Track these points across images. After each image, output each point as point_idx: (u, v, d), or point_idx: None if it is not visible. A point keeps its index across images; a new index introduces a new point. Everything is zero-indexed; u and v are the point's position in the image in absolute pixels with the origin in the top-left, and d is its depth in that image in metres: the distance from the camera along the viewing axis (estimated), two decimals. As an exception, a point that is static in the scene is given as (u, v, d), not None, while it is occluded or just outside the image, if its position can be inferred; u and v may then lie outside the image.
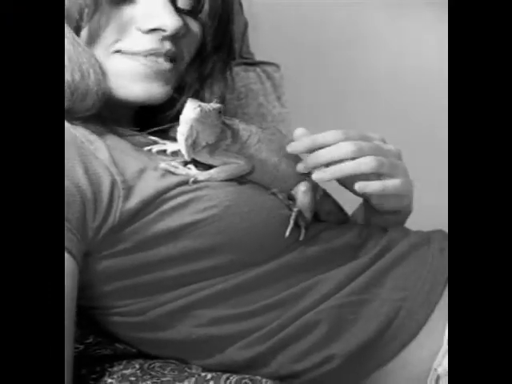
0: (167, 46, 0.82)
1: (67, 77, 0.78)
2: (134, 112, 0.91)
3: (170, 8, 0.81)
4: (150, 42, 0.81)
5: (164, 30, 0.80)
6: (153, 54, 0.81)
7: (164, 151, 0.83)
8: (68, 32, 0.79)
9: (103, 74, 0.81)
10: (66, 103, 0.78)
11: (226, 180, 0.79)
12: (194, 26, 0.86)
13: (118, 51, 0.81)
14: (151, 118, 0.91)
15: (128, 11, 0.81)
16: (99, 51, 0.81)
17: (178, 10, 0.83)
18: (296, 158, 0.86)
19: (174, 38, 0.82)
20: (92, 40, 0.80)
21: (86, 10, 0.79)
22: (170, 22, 0.80)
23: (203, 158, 0.80)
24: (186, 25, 0.83)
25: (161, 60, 0.82)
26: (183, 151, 0.78)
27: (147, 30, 0.81)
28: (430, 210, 0.99)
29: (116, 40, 0.81)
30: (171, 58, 0.84)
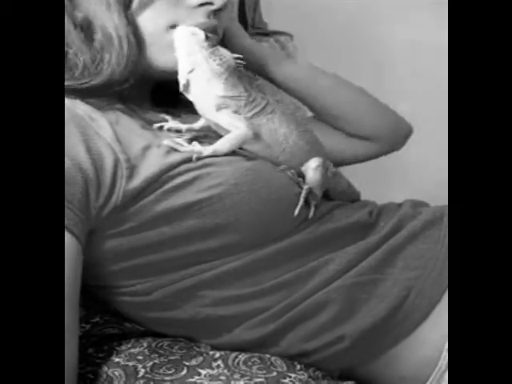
0: (213, 21, 0.82)
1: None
2: (151, 94, 0.91)
3: None
4: (199, 16, 0.81)
5: (212, 4, 0.81)
6: (202, 27, 0.81)
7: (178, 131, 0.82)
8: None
9: (138, 43, 0.80)
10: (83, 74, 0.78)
11: (233, 155, 0.78)
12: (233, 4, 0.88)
13: (172, 26, 0.81)
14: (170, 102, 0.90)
15: None
16: (151, 26, 0.81)
17: None
18: (308, 133, 0.84)
19: (218, 13, 0.82)
20: (141, 8, 0.80)
21: None
22: None
23: (208, 111, 0.79)
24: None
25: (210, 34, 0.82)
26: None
27: (196, 5, 0.81)
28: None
29: (169, 16, 0.81)
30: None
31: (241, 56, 0.81)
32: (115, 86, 0.80)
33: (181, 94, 0.81)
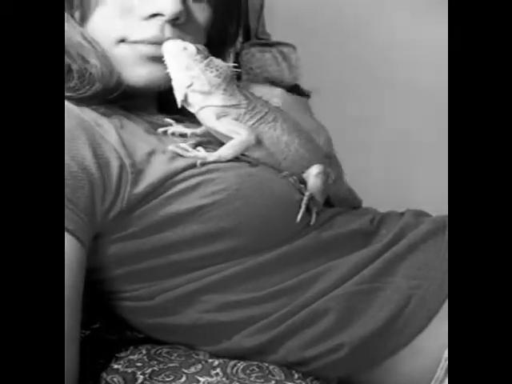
0: (168, 33, 0.80)
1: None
2: (156, 101, 0.91)
3: None
4: (150, 30, 0.80)
5: (163, 15, 0.79)
6: (154, 42, 0.80)
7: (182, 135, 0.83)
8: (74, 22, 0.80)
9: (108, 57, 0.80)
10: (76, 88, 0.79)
11: (237, 161, 0.78)
12: (202, 12, 0.84)
13: (122, 41, 0.80)
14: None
15: None
16: (103, 42, 0.80)
17: None
18: (310, 141, 0.84)
19: (176, 24, 0.80)
20: (82, 20, 0.80)
21: None
22: (169, 5, 0.78)
23: (209, 120, 0.79)
24: (189, 10, 0.82)
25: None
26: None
27: (147, 16, 0.79)
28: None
29: (119, 29, 0.80)
30: None
31: (235, 64, 0.81)
32: (113, 91, 0.80)
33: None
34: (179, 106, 0.80)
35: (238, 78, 0.85)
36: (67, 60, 0.79)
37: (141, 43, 0.80)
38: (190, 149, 0.78)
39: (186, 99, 0.79)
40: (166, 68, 0.80)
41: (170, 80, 0.80)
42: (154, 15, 0.79)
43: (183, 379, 0.73)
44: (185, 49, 0.78)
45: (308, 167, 0.82)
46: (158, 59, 0.80)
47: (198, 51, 0.79)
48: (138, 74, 0.81)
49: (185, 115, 0.85)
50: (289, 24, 1.38)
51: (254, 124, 0.80)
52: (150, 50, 0.80)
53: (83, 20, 0.81)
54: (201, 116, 0.80)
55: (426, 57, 1.47)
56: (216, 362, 0.76)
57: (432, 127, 1.30)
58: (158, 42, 0.80)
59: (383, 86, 1.48)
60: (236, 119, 0.79)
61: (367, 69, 1.53)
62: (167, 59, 0.79)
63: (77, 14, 0.81)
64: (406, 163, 1.02)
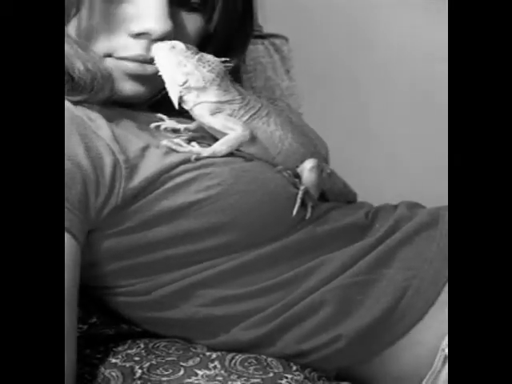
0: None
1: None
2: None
3: (161, 9, 0.78)
4: (136, 48, 0.79)
5: (150, 35, 0.78)
6: (140, 60, 0.79)
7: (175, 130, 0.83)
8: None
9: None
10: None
11: (231, 156, 0.78)
12: (193, 24, 0.84)
13: (108, 55, 0.80)
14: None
15: (122, 10, 0.79)
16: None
17: (184, 4, 0.81)
18: (303, 135, 0.85)
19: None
20: (80, 36, 0.79)
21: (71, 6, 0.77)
22: (157, 26, 0.77)
23: (203, 116, 0.79)
24: (180, 23, 0.81)
25: (148, 65, 0.80)
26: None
27: (134, 34, 0.79)
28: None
29: (106, 43, 0.79)
30: None
31: (227, 59, 0.80)
32: (105, 100, 0.80)
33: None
34: (176, 105, 0.79)
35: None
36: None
37: (126, 60, 0.80)
38: (184, 144, 0.78)
39: (181, 98, 0.79)
40: (148, 85, 0.81)
41: (153, 93, 0.82)
42: (142, 33, 0.78)
43: (181, 372, 0.73)
44: (173, 47, 0.78)
45: (302, 161, 0.82)
46: (142, 77, 0.80)
47: (188, 48, 0.78)
48: (121, 88, 0.81)
49: (175, 109, 0.85)
50: (281, 16, 1.38)
51: (247, 119, 0.80)
52: (134, 67, 0.80)
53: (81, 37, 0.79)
54: (195, 112, 0.80)
55: (426, 55, 1.47)
56: (214, 355, 0.76)
57: (432, 126, 1.30)
58: (143, 61, 0.79)
59: (382, 83, 1.48)
60: (230, 115, 0.79)
61: (363, 61, 1.53)
62: (158, 61, 0.78)
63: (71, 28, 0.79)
64: (405, 162, 1.02)
